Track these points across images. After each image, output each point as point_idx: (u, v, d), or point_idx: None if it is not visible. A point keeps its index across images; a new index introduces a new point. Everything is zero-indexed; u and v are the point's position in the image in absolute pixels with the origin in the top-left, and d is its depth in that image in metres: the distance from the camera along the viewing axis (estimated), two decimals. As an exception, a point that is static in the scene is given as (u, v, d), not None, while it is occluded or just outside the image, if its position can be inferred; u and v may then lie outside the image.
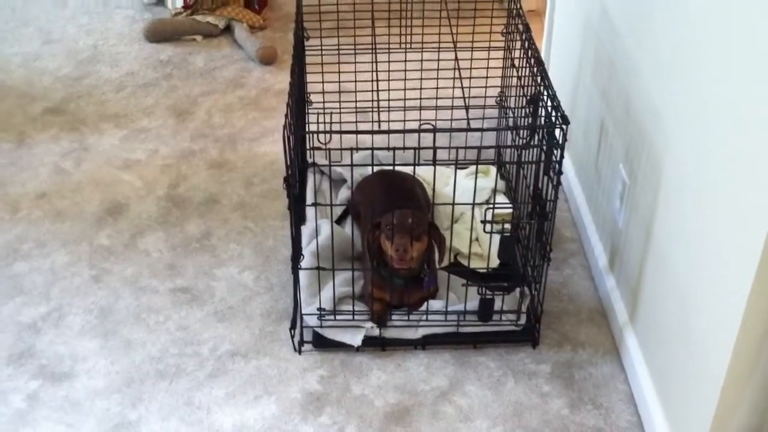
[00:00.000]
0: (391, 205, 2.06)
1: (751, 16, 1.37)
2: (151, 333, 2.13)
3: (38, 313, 2.19)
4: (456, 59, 2.19)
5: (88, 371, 2.03)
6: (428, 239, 2.02)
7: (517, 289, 2.09)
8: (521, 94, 2.17)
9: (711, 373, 1.52)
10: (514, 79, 2.26)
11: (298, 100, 2.16)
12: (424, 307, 2.06)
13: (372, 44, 2.26)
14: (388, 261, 2.03)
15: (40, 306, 2.21)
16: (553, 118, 1.84)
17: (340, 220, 2.37)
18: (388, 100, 2.49)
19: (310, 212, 2.32)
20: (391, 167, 2.16)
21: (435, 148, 1.82)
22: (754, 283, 1.37)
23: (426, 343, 2.07)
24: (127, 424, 1.90)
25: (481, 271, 2.15)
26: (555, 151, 1.86)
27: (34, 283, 2.29)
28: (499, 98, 2.59)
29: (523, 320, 2.07)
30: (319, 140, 1.90)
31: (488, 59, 2.50)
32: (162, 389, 1.98)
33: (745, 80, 1.40)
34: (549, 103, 1.88)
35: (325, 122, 2.23)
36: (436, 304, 2.07)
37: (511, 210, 2.21)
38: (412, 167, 2.23)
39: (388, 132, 1.92)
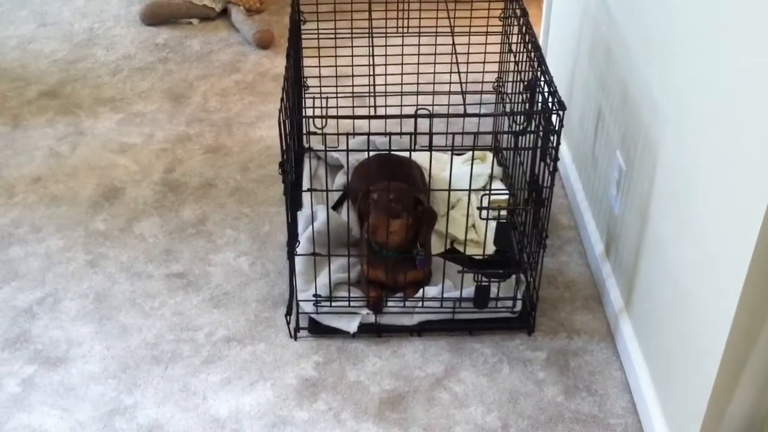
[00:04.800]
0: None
1: (748, 3, 1.36)
2: (146, 318, 2.13)
3: (33, 298, 2.19)
4: (453, 44, 2.18)
5: (83, 356, 2.03)
6: (416, 217, 2.02)
7: (513, 276, 2.09)
8: (518, 79, 2.16)
9: (706, 359, 1.52)
10: (512, 65, 2.25)
11: (295, 85, 2.15)
12: (419, 294, 2.06)
13: (369, 28, 2.25)
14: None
15: (36, 291, 2.21)
16: (550, 104, 1.83)
17: (336, 206, 2.36)
18: (385, 84, 2.48)
19: (306, 198, 2.31)
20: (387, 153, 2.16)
21: (431, 134, 1.81)
22: (749, 270, 1.37)
23: (422, 329, 2.07)
24: (123, 410, 1.90)
25: (477, 257, 2.15)
26: (551, 137, 1.85)
27: (29, 267, 2.28)
28: (496, 84, 2.58)
29: (518, 307, 2.07)
30: (315, 125, 1.89)
31: (486, 44, 2.49)
32: (157, 375, 1.98)
33: (741, 68, 1.39)
34: (546, 89, 1.87)
35: (321, 107, 2.22)
36: (432, 291, 2.07)
37: (507, 196, 2.21)
38: (408, 153, 2.22)
39: (385, 117, 1.90)
